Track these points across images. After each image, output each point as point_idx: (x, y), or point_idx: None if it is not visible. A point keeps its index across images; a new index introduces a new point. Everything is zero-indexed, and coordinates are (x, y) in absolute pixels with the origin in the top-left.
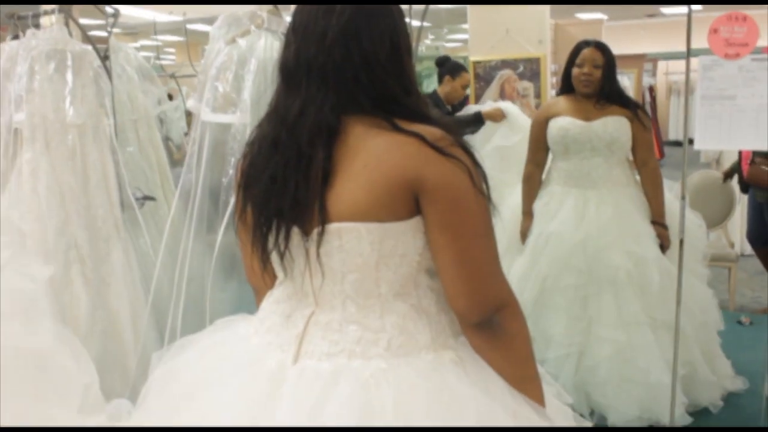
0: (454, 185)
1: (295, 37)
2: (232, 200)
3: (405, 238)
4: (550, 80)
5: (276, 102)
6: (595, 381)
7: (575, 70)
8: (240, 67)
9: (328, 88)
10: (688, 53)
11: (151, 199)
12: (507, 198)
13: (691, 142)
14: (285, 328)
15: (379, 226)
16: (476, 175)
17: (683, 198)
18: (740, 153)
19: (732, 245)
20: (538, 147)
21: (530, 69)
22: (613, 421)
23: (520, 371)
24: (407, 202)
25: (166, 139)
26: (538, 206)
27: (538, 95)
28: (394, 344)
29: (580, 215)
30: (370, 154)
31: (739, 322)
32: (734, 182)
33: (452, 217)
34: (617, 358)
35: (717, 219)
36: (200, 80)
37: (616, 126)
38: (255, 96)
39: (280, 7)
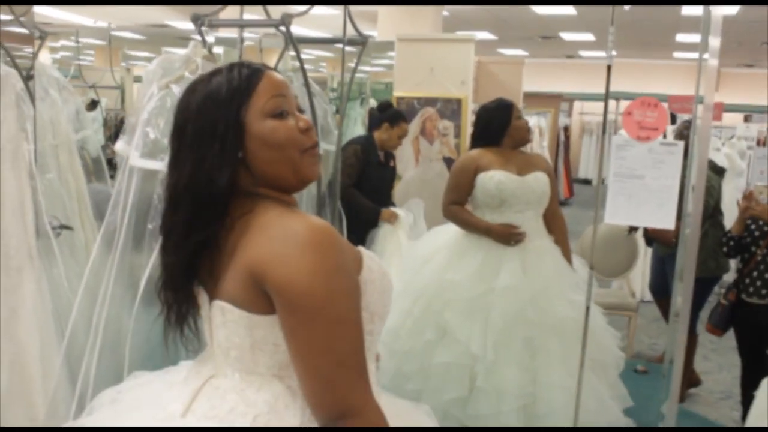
0: (293, 287)
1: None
2: (157, 246)
3: (274, 331)
4: (471, 119)
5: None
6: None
7: (517, 122)
8: (171, 113)
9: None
10: (607, 95)
11: (69, 228)
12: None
13: (603, 181)
14: (193, 379)
15: (248, 316)
16: (330, 277)
17: (591, 268)
18: None
19: (633, 294)
20: (461, 195)
21: (451, 108)
22: None
23: None
24: (258, 294)
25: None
26: (475, 259)
27: (457, 135)
28: (260, 421)
29: (523, 268)
30: (245, 238)
31: (635, 371)
32: (639, 234)
33: (289, 318)
34: (570, 404)
35: (620, 269)
36: (130, 123)
37: (544, 180)
38: None
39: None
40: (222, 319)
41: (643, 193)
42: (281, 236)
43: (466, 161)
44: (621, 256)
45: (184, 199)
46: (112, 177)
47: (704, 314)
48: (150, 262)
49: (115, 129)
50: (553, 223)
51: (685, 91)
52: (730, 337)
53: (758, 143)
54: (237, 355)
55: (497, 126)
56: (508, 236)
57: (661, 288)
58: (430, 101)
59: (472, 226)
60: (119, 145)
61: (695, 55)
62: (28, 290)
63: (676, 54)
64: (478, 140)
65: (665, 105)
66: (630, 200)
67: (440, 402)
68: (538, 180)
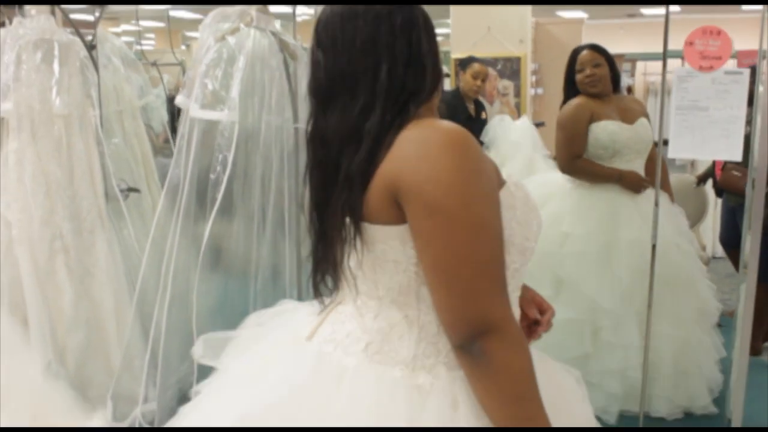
0: (429, 188)
1: (323, 54)
2: (220, 195)
3: (394, 244)
4: (530, 79)
5: (314, 123)
6: (656, 376)
7: (579, 76)
8: (229, 64)
9: (358, 97)
10: (665, 55)
11: (136, 191)
12: None
13: (666, 143)
14: (327, 307)
15: (369, 227)
16: (469, 178)
17: (656, 204)
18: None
19: (704, 248)
20: (581, 146)
21: (510, 67)
22: (658, 411)
23: (506, 410)
24: (389, 205)
25: (147, 128)
26: (593, 211)
27: (517, 94)
28: (372, 349)
29: (642, 219)
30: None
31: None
32: (708, 186)
33: (426, 224)
34: (681, 352)
35: (690, 222)
36: (189, 76)
37: (648, 126)
38: (243, 93)
39: (271, 7)
40: (352, 239)
41: (708, 125)
42: (416, 139)
43: (578, 111)
44: (690, 209)
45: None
46: None
47: None
48: (213, 210)
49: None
50: (649, 165)
51: (755, 46)
52: None
53: None
54: (360, 276)
55: (568, 79)
56: (639, 184)
57: (732, 239)
58: (488, 62)
59: (603, 176)
60: (179, 99)
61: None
62: (100, 251)
63: (745, 7)
64: (566, 94)
65: (733, 61)
66: (694, 134)
67: (563, 360)
68: (645, 127)
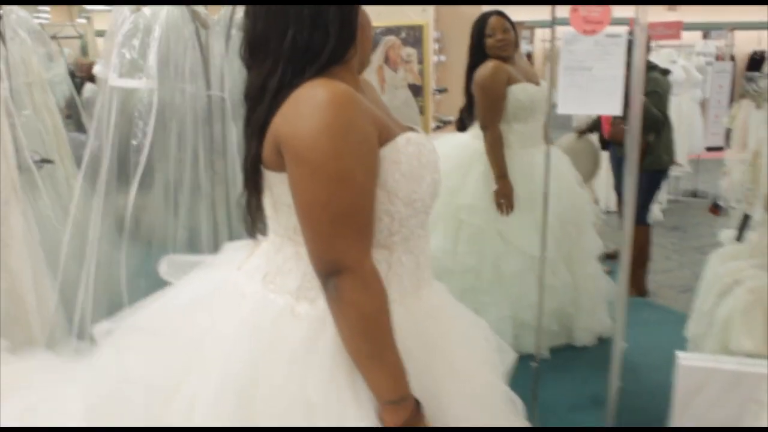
0: (297, 141)
1: (247, 20)
2: (142, 160)
3: (285, 189)
4: (433, 46)
5: (245, 84)
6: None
7: (489, 40)
8: (145, 34)
9: (268, 58)
10: (554, 22)
11: (49, 161)
12: None
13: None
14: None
15: (268, 173)
16: (336, 134)
17: (548, 156)
18: (599, 115)
19: (597, 202)
20: (501, 109)
21: (413, 36)
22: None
23: (353, 343)
24: (276, 154)
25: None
26: (514, 168)
27: (420, 61)
28: (268, 279)
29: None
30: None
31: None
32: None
33: (294, 173)
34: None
35: (585, 177)
36: (106, 47)
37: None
38: (159, 62)
39: None
40: (263, 184)
41: (592, 83)
42: (298, 97)
43: (497, 73)
44: (585, 166)
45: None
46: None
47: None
48: (137, 175)
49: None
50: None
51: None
52: (689, 237)
53: (717, 59)
54: (269, 215)
55: (476, 43)
56: (507, 200)
57: (622, 186)
58: (391, 30)
59: (497, 162)
60: (98, 69)
61: None
62: (15, 222)
63: None
64: (473, 58)
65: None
66: (580, 91)
67: (517, 309)
68: (545, 88)
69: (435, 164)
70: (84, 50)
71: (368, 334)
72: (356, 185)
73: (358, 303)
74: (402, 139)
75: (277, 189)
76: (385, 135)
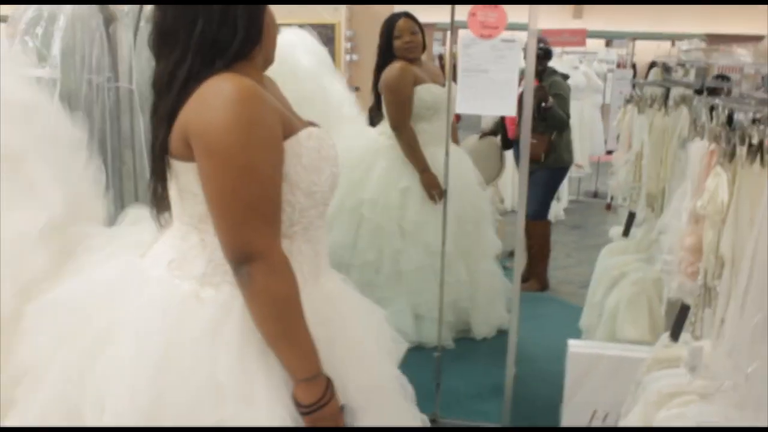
0: (207, 133)
1: (157, 12)
2: None
3: (191, 178)
4: (345, 45)
5: (153, 74)
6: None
7: (397, 42)
8: (50, 23)
9: (176, 50)
10: (452, 26)
11: None
12: None
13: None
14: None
15: (174, 162)
16: (244, 127)
17: (447, 154)
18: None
19: (502, 201)
20: (409, 110)
21: (326, 35)
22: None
23: (265, 327)
24: (184, 145)
25: None
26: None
27: (332, 60)
28: (173, 265)
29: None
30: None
31: (505, 267)
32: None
33: (204, 164)
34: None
35: (490, 177)
36: (9, 33)
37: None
38: (64, 52)
39: None
40: (169, 173)
41: (488, 85)
42: (207, 90)
43: (404, 74)
44: (490, 167)
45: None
46: None
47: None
48: None
49: None
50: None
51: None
52: (589, 236)
53: (618, 66)
54: (174, 203)
55: (385, 44)
56: (434, 187)
57: None
58: (303, 28)
59: (415, 158)
60: None
61: None
62: None
63: None
64: (381, 58)
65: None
66: (477, 92)
67: (417, 301)
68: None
69: (334, 158)
70: None
71: (280, 316)
72: (264, 176)
73: (269, 288)
74: (304, 134)
75: (183, 178)
76: (289, 129)
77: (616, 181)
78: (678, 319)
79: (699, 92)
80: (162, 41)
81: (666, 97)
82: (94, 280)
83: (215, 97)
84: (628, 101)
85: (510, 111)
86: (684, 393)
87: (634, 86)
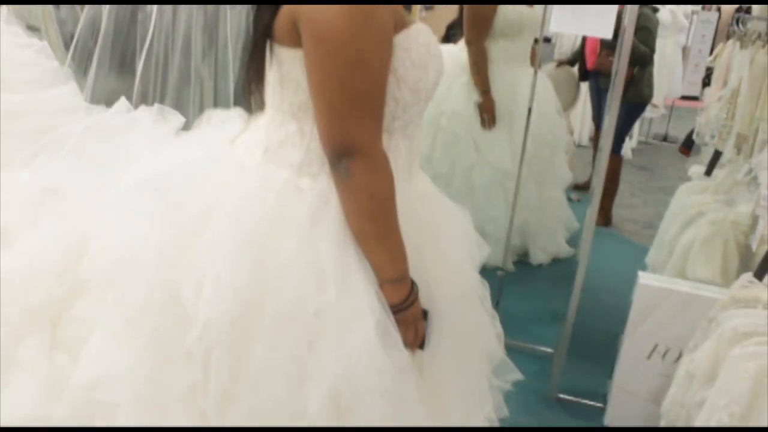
0: (318, 21)
1: None
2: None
3: (295, 65)
4: None
5: None
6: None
7: None
8: None
9: None
10: None
11: (35, 29)
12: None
13: (547, 40)
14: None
15: (278, 48)
16: (356, 17)
17: (535, 73)
18: (583, 45)
19: (572, 132)
20: (485, 28)
21: None
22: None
23: (360, 224)
24: (292, 30)
25: None
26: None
27: None
28: (269, 153)
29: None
30: None
31: (569, 199)
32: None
33: (312, 52)
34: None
35: (564, 105)
36: None
37: (540, 12)
38: None
39: None
40: (269, 58)
41: (587, 5)
42: None
43: None
44: (564, 95)
45: None
46: None
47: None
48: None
49: None
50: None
51: None
52: (656, 178)
53: (703, 8)
54: (272, 91)
55: None
56: (489, 115)
57: (601, 117)
58: None
59: (481, 78)
60: None
61: None
62: None
63: None
64: None
65: None
66: (575, 11)
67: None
68: (537, 11)
69: (440, 56)
70: None
71: (376, 215)
72: (373, 69)
73: (368, 185)
74: (415, 29)
75: (287, 65)
76: (400, 23)
77: (705, 117)
78: (766, 259)
79: None
80: None
81: None
82: (185, 163)
83: None
84: (728, 36)
85: (607, 33)
86: (761, 334)
87: (737, 21)
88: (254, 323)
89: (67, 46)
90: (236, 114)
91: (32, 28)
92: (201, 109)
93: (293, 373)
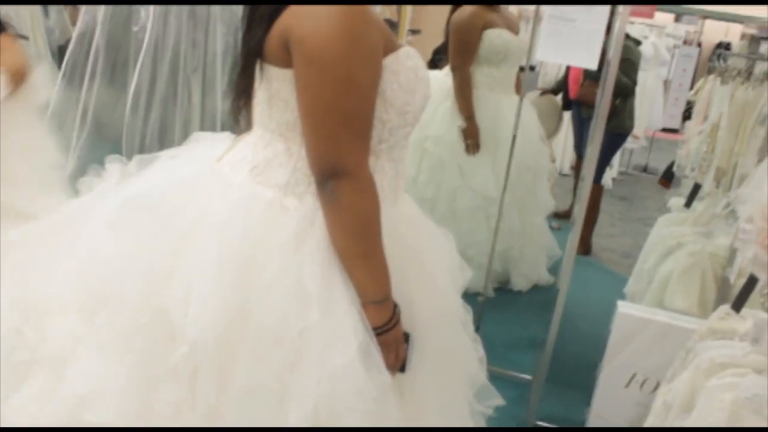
0: (310, 41)
1: None
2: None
3: (285, 85)
4: None
5: None
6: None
7: None
8: None
9: None
10: None
11: (24, 38)
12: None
13: (532, 68)
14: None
15: (268, 67)
16: (348, 38)
17: (521, 100)
18: (567, 75)
19: (554, 160)
20: (469, 54)
21: None
22: (517, 285)
23: (344, 243)
24: (283, 50)
25: None
26: (480, 110)
27: None
28: (255, 172)
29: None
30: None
31: (551, 227)
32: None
33: (303, 72)
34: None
35: (546, 135)
36: None
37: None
38: None
39: None
40: (259, 76)
41: (574, 34)
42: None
43: (473, 19)
44: (547, 124)
45: None
46: None
47: None
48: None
49: None
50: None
51: None
52: (635, 208)
53: (684, 43)
54: (260, 110)
55: None
56: (473, 141)
57: (583, 147)
58: None
59: (465, 103)
60: None
61: None
62: None
63: None
64: None
65: None
66: (561, 41)
67: (467, 243)
68: (522, 40)
69: (428, 80)
70: None
71: (361, 236)
72: (362, 90)
73: (354, 206)
74: (403, 52)
75: (276, 84)
76: (390, 46)
77: (686, 149)
78: (743, 291)
79: None
80: None
81: (750, 70)
82: (173, 180)
83: (320, 7)
84: (709, 72)
85: (592, 64)
86: (738, 365)
87: (718, 56)
88: (238, 342)
89: (54, 55)
90: (224, 136)
91: (21, 37)
92: (187, 125)
93: (275, 392)
